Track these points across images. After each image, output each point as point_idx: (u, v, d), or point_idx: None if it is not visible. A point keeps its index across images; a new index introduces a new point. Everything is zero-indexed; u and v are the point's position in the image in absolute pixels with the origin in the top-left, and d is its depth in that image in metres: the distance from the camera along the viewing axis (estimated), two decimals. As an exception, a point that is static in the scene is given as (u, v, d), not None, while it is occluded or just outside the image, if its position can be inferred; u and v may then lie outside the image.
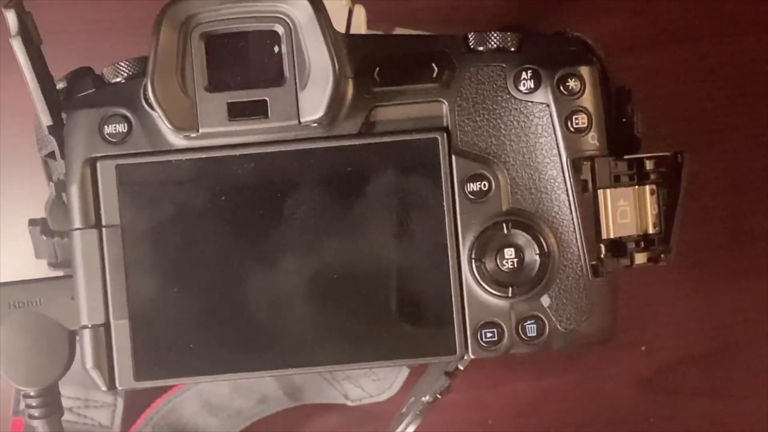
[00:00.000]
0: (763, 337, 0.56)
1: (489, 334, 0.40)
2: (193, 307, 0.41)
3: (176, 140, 0.40)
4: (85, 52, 0.49)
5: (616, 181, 0.41)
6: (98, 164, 0.40)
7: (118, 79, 0.41)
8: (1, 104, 0.57)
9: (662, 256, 0.42)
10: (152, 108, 0.40)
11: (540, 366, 0.57)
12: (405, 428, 0.45)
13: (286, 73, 0.39)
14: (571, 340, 0.41)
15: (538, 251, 0.40)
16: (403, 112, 0.40)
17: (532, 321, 0.40)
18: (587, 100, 0.40)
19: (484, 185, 0.40)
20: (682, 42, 0.57)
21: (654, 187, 0.42)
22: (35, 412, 0.42)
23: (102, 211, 0.40)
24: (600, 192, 0.41)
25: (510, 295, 0.40)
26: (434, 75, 0.40)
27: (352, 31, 0.50)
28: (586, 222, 0.40)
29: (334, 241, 0.40)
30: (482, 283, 0.40)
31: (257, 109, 0.39)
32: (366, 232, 0.40)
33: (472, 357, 0.41)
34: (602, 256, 0.41)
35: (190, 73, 0.39)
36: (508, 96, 0.40)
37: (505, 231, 0.40)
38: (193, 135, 0.39)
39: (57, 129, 0.41)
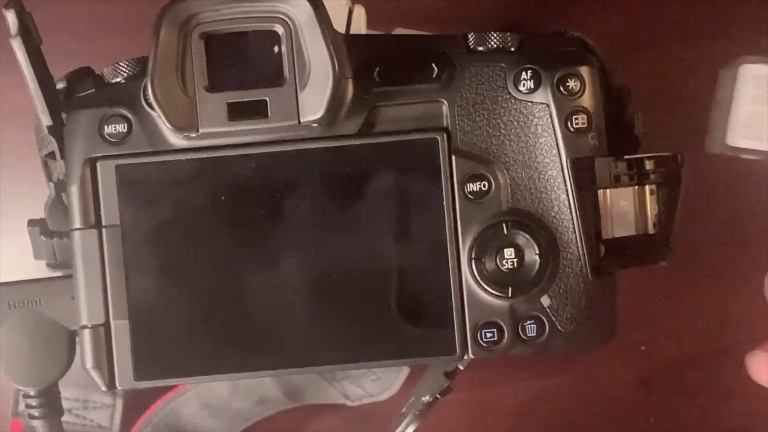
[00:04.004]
0: (763, 337, 0.56)
1: (489, 335, 0.40)
2: (193, 307, 0.40)
3: (176, 140, 0.40)
4: (85, 52, 0.49)
5: (616, 181, 0.41)
6: (98, 164, 0.40)
7: (118, 79, 0.41)
8: (1, 104, 0.57)
9: (662, 256, 0.42)
10: (152, 108, 0.40)
11: (540, 366, 0.57)
12: (405, 428, 0.45)
13: (286, 74, 0.39)
14: (570, 340, 0.41)
15: (537, 251, 0.40)
16: (403, 113, 0.40)
17: (532, 321, 0.40)
18: (587, 101, 0.40)
19: (484, 185, 0.40)
20: (682, 42, 0.57)
21: (654, 187, 0.41)
22: (35, 412, 0.42)
23: (102, 212, 0.40)
24: (600, 192, 0.41)
25: (510, 295, 0.40)
26: (434, 75, 0.40)
27: (352, 31, 0.50)
28: (586, 222, 0.40)
29: (333, 241, 0.40)
30: (482, 283, 0.40)
31: (257, 110, 0.39)
32: (366, 232, 0.40)
33: (471, 357, 0.41)
34: (602, 256, 0.41)
35: (190, 73, 0.39)
36: (508, 96, 0.40)
37: (505, 231, 0.40)
38: (193, 135, 0.39)
39: (57, 129, 0.41)
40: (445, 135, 0.40)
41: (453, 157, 0.40)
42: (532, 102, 0.40)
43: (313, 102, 0.39)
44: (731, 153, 0.37)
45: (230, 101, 0.39)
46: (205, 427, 0.57)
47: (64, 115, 0.41)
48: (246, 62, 0.39)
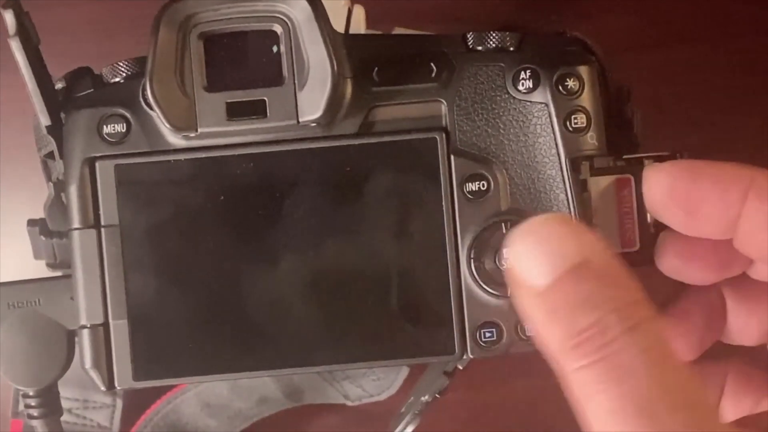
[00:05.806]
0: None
1: (488, 334, 0.40)
2: (192, 307, 0.40)
3: (175, 140, 0.40)
4: (84, 52, 0.49)
5: (615, 181, 0.41)
6: (97, 164, 0.40)
7: (117, 79, 0.41)
8: (1, 104, 0.57)
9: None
10: (151, 108, 0.40)
11: (540, 366, 0.57)
12: (404, 428, 0.45)
13: (285, 73, 0.39)
14: (570, 339, 0.40)
15: (537, 251, 0.40)
16: (402, 112, 0.40)
17: (531, 321, 0.40)
18: (586, 100, 0.40)
19: (483, 185, 0.40)
20: (682, 42, 0.57)
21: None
22: (34, 412, 0.42)
23: (101, 211, 0.40)
24: (599, 192, 0.41)
25: (509, 294, 0.40)
26: (433, 75, 0.40)
27: (352, 30, 0.50)
28: (586, 222, 0.40)
29: (332, 241, 0.40)
30: (481, 282, 0.40)
31: (256, 109, 0.39)
32: (365, 232, 0.40)
33: (471, 357, 0.41)
34: (601, 255, 0.41)
35: (188, 73, 0.39)
36: (506, 96, 0.40)
37: (504, 231, 0.40)
38: (192, 135, 0.39)
39: (56, 129, 0.41)
40: (444, 135, 0.40)
41: (452, 157, 0.40)
42: (531, 101, 0.40)
43: (312, 102, 0.39)
44: None
45: (229, 101, 0.39)
46: (205, 426, 0.57)
47: (63, 115, 0.41)
48: (245, 62, 0.39)
